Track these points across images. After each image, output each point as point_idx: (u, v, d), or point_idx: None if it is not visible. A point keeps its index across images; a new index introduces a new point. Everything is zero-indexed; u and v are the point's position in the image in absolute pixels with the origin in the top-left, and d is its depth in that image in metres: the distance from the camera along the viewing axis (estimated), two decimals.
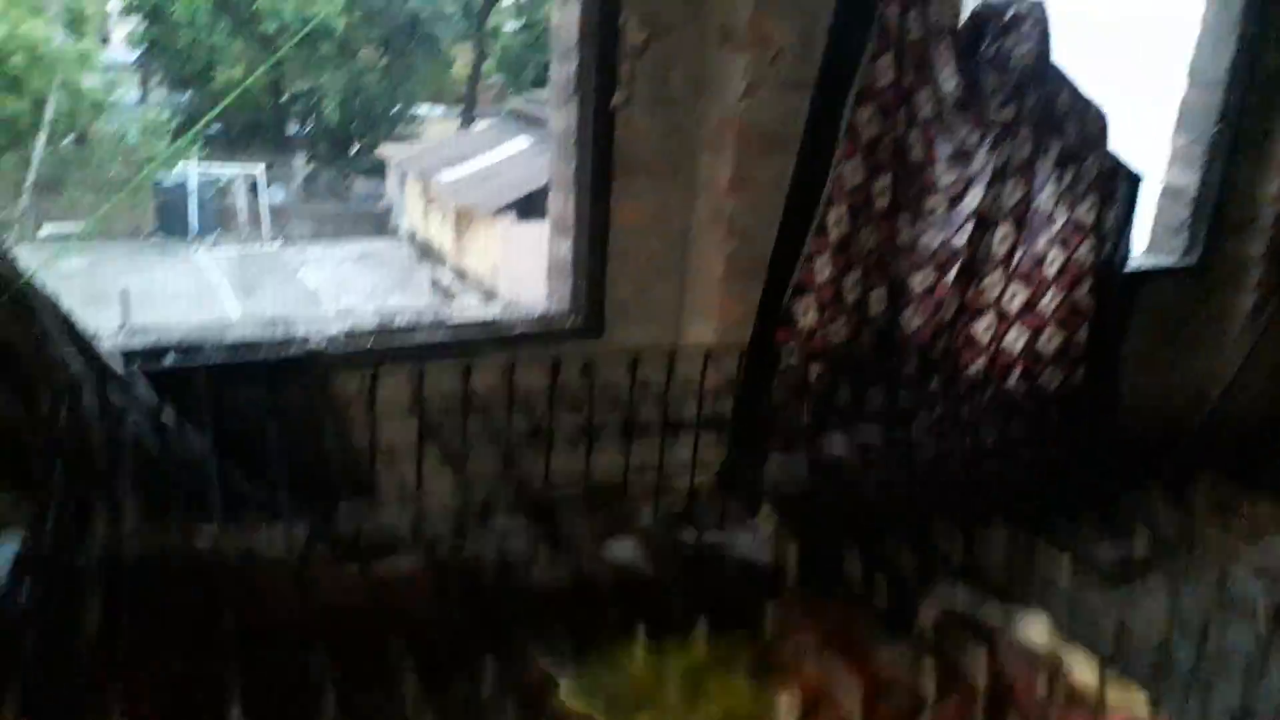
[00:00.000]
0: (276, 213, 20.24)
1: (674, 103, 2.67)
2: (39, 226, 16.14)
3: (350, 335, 2.49)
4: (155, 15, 21.36)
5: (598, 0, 2.53)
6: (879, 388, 2.83)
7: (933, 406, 2.84)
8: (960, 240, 2.77)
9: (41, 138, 16.65)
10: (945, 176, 2.74)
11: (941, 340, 2.87)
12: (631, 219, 2.72)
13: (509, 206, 14.90)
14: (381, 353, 2.48)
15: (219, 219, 19.58)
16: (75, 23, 18.32)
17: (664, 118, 2.67)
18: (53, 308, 2.05)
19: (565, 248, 2.77)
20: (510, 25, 25.77)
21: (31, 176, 16.25)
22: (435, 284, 15.52)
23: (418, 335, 2.57)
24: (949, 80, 2.69)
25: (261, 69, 19.37)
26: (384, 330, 2.56)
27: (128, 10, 21.74)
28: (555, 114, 2.78)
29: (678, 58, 2.64)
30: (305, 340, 2.44)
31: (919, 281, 2.84)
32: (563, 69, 2.69)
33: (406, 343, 2.54)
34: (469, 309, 2.87)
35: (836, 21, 2.59)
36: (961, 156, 2.74)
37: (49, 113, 16.65)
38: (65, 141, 18.00)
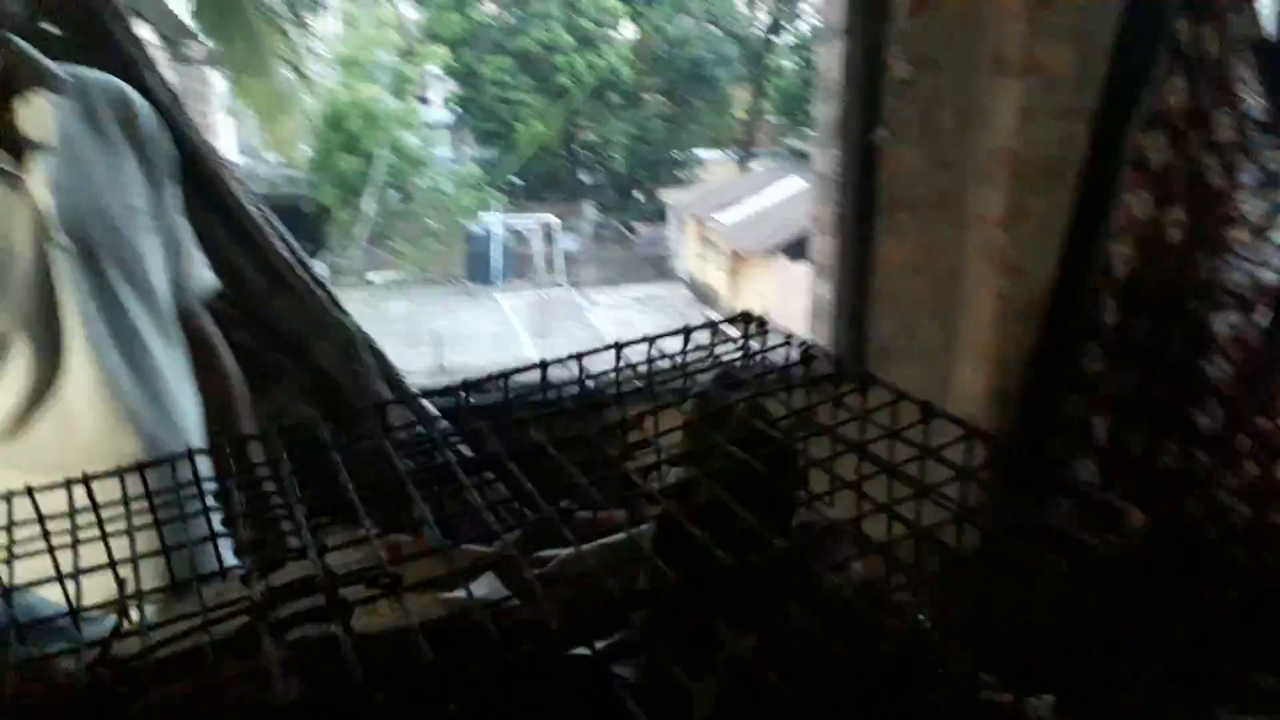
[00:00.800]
0: (569, 258, 21.55)
1: (941, 136, 2.63)
2: (368, 273, 18.20)
3: (632, 372, 2.63)
4: (467, 77, 23.52)
5: (862, 37, 2.55)
6: (1175, 444, 2.58)
7: (1238, 468, 2.55)
8: (1270, 277, 2.51)
9: (372, 192, 18.74)
10: (1250, 206, 2.49)
11: (1249, 391, 2.59)
12: (896, 258, 2.69)
13: (781, 248, 14.99)
14: (658, 389, 2.59)
15: (519, 265, 21.14)
16: (400, 86, 20.56)
17: (930, 152, 2.63)
18: (372, 348, 2.34)
19: (827, 289, 2.79)
20: (788, 64, 26.04)
21: (362, 228, 18.33)
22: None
23: (685, 373, 2.67)
24: (1253, 100, 2.45)
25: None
26: (660, 368, 2.68)
27: (445, 73, 24.12)
28: (819, 154, 2.81)
29: (945, 90, 2.59)
30: (594, 376, 2.61)
31: (1221, 324, 2.58)
32: (827, 108, 2.72)
33: (677, 380, 2.65)
34: (734, 349, 2.93)
35: (1120, 42, 2.44)
36: (1269, 184, 2.48)
37: (378, 169, 18.71)
38: (391, 195, 20.18)
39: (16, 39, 1.14)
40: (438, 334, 14.40)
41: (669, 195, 22.67)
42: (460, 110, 24.74)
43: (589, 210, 24.54)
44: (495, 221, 20.62)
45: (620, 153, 23.96)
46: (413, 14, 18.89)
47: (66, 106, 1.15)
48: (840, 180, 2.68)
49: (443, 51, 20.44)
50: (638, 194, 25.17)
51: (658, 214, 23.68)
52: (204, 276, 1.41)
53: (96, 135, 1.20)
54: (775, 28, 25.87)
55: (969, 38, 2.56)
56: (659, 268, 21.99)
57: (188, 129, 2.03)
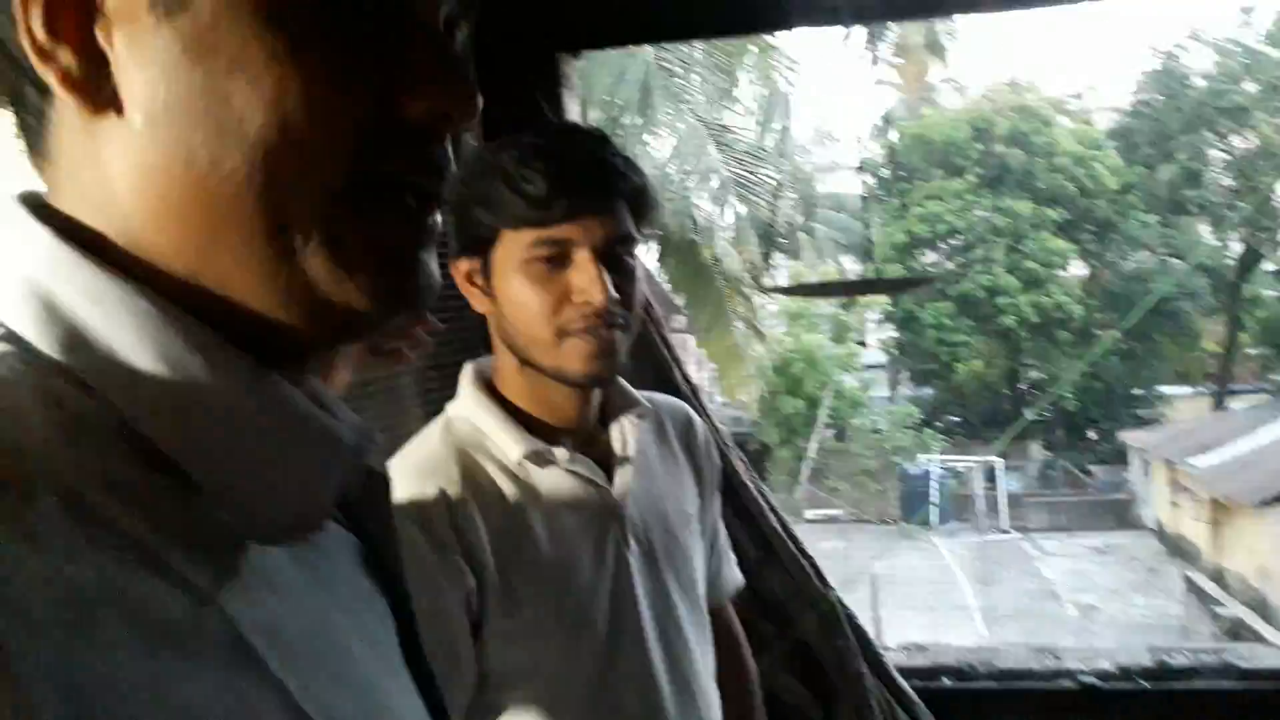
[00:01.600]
0: (1012, 501, 20.39)
1: None
2: (805, 510, 18.57)
3: (1121, 672, 2.43)
4: (905, 322, 24.01)
5: None
6: None
7: None
8: None
9: (813, 433, 19.40)
10: None
11: None
12: None
13: (1277, 498, 12.98)
14: (1157, 695, 2.36)
15: (956, 507, 20.38)
16: (840, 333, 21.48)
17: None
18: (853, 624, 2.40)
19: None
20: (1269, 294, 23.45)
21: (805, 467, 18.92)
22: (1190, 585, 13.92)
23: (1197, 681, 2.40)
24: None
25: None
26: (1160, 670, 2.44)
27: (882, 320, 24.84)
28: None
29: None
30: (1074, 673, 2.45)
31: None
32: None
33: (1184, 686, 2.39)
34: (1258, 652, 2.59)
35: None
36: None
37: (821, 411, 19.41)
38: (828, 434, 20.72)
39: (619, 379, 1.32)
40: (875, 577, 14.14)
41: (1129, 435, 20.82)
42: (898, 353, 25.17)
43: (1035, 450, 23.25)
44: (933, 461, 20.24)
45: (1071, 391, 22.68)
46: (853, 266, 19.94)
47: (645, 428, 1.32)
48: None
49: (882, 299, 21.22)
50: (1091, 434, 23.47)
51: (1115, 455, 21.79)
52: (734, 575, 1.49)
53: (665, 451, 1.37)
54: (1252, 255, 23.61)
55: None
56: (1119, 514, 19.99)
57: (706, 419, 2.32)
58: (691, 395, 2.40)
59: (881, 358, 26.16)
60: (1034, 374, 23.97)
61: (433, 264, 0.48)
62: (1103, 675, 2.43)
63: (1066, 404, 22.84)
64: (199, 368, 0.44)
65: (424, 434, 1.19)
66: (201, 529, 0.43)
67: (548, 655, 1.13)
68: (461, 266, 1.13)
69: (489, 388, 1.20)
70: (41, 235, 0.44)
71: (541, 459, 1.14)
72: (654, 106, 8.61)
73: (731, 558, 1.49)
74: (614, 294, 1.07)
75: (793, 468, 19.42)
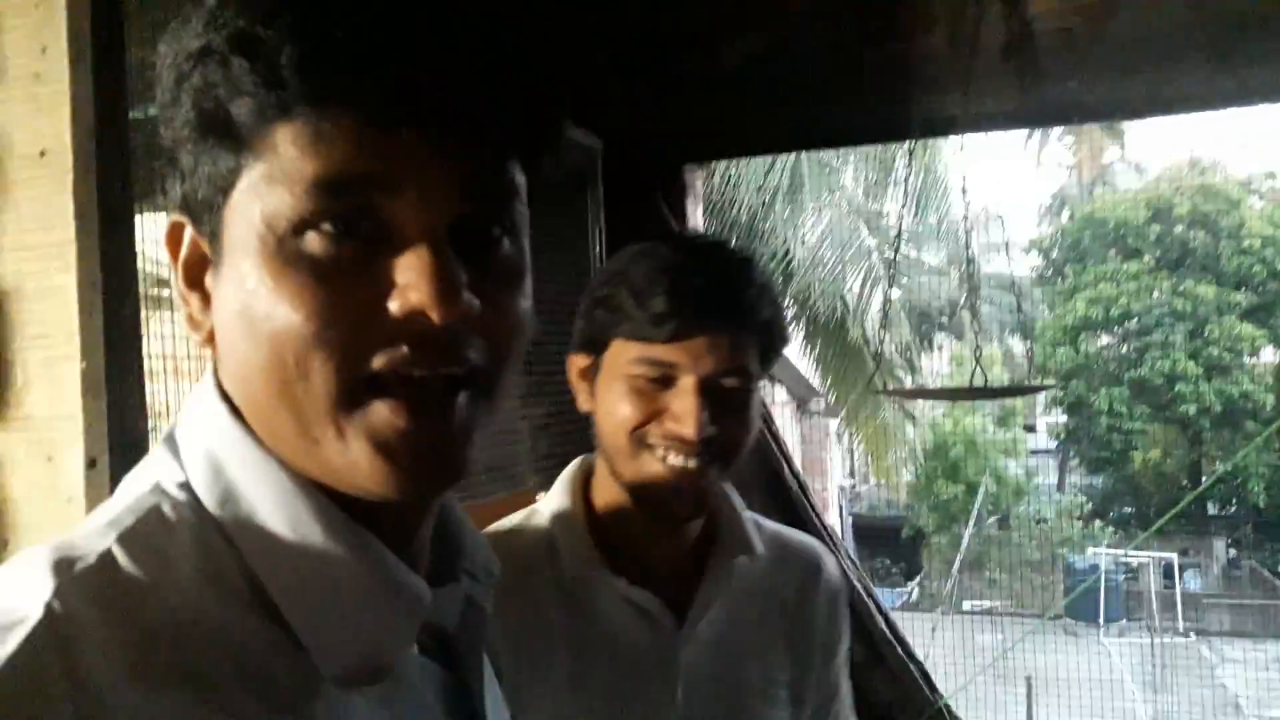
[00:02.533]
0: (1193, 601, 18.98)
1: None
2: (962, 601, 17.86)
3: None
4: (1075, 407, 22.95)
5: None
6: None
7: None
8: None
9: (972, 521, 18.73)
10: None
11: None
12: None
13: None
14: None
15: (1127, 605, 19.12)
16: (1006, 417, 20.75)
17: None
18: None
19: None
20: None
21: (960, 556, 18.25)
22: None
23: None
24: None
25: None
26: None
27: (1051, 404, 23.82)
28: None
29: None
30: None
31: None
32: None
33: None
34: None
35: None
36: None
37: (979, 498, 18.75)
38: (989, 522, 19.94)
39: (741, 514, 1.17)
40: (1030, 674, 13.45)
41: None
42: (1066, 440, 24.02)
43: (1219, 548, 21.60)
44: (1103, 556, 19.12)
45: (1260, 487, 21.04)
46: (1020, 347, 19.34)
47: (752, 575, 1.14)
48: None
49: (1051, 382, 20.40)
50: None
51: None
52: None
53: (769, 606, 1.17)
54: None
55: None
56: None
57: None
58: (799, 490, 2.57)
59: (1050, 444, 25.04)
60: (1219, 466, 22.37)
61: (454, 447, 0.53)
62: None
63: (1255, 500, 21.20)
64: (318, 535, 0.53)
65: (507, 521, 1.16)
66: (290, 678, 0.52)
67: None
68: (576, 361, 1.10)
69: (584, 488, 1.14)
70: (220, 410, 0.56)
71: (591, 582, 1.07)
72: (804, 193, 8.83)
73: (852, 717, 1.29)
74: (709, 429, 1.00)
75: (949, 556, 18.77)
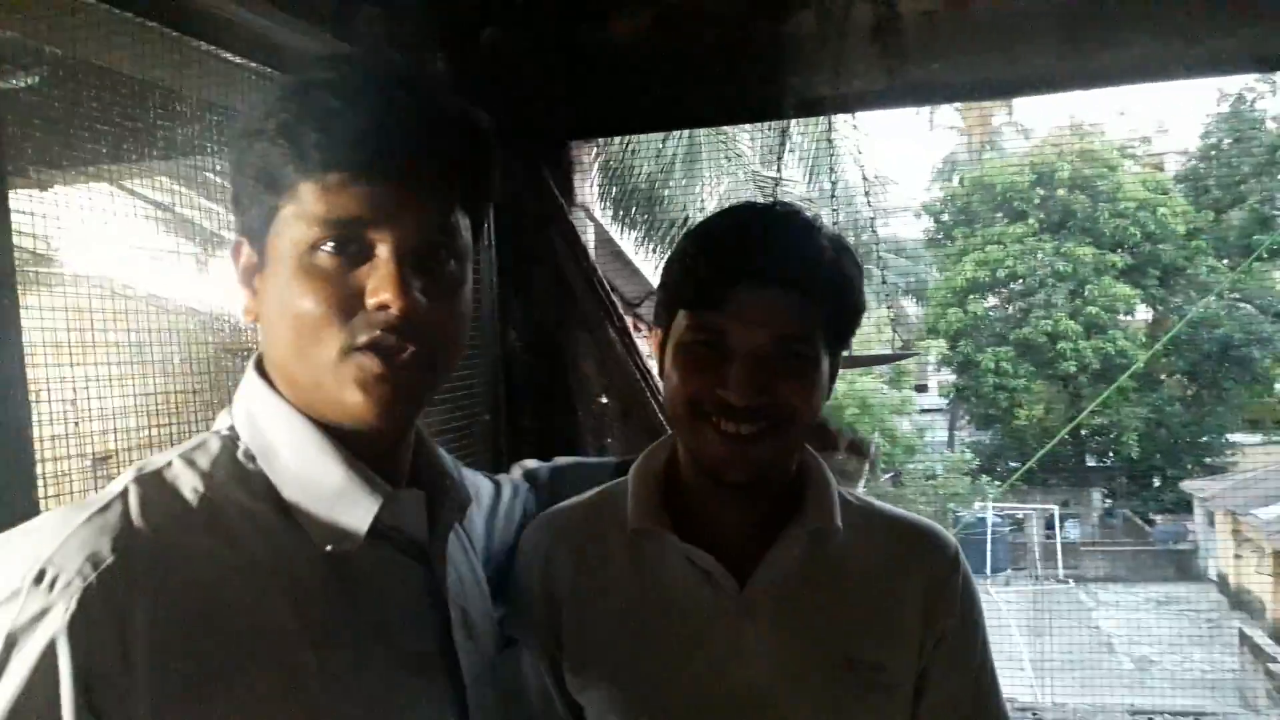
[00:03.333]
0: (1072, 550, 20.05)
1: None
2: None
3: None
4: (964, 366, 23.85)
5: None
6: None
7: None
8: None
9: (864, 478, 19.32)
10: None
11: None
12: None
13: None
14: None
15: (1013, 555, 20.06)
16: (898, 377, 21.43)
17: None
18: None
19: None
20: None
21: None
22: (1244, 640, 13.59)
23: None
24: None
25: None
26: None
27: (940, 364, 24.69)
28: None
29: None
30: None
31: None
32: None
33: None
34: None
35: None
36: None
37: (873, 455, 19.31)
38: (883, 480, 20.62)
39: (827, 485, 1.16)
40: None
41: (1193, 485, 20.35)
42: (956, 399, 24.95)
43: (1096, 498, 22.83)
44: (988, 509, 20.01)
45: (1134, 438, 22.27)
46: (913, 309, 19.99)
47: (832, 543, 1.13)
48: None
49: (940, 344, 21.15)
50: (1154, 481, 22.98)
51: (1178, 504, 21.28)
52: None
53: (859, 579, 1.15)
54: None
55: None
56: (1181, 566, 19.50)
57: None
58: None
59: (940, 402, 25.96)
60: (1097, 420, 23.58)
61: (410, 392, 0.83)
62: None
63: (1128, 452, 22.42)
64: (313, 452, 0.84)
65: (606, 487, 1.20)
66: (295, 550, 0.83)
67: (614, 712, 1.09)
68: (655, 334, 1.12)
69: (670, 453, 1.16)
70: (256, 380, 0.87)
71: (648, 536, 1.11)
72: (702, 160, 8.91)
73: None
74: (759, 396, 1.00)
75: None
